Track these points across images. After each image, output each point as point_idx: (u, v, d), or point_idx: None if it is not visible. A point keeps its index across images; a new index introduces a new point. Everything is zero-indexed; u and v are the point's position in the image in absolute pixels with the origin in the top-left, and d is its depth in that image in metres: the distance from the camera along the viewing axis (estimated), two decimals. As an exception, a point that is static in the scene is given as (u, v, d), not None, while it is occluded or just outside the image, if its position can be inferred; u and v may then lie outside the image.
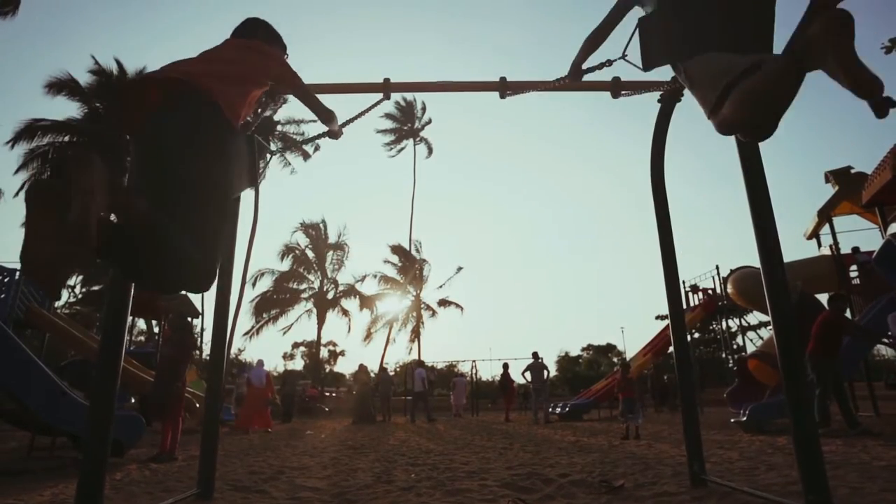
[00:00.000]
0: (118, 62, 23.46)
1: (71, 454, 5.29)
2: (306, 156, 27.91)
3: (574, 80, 2.60)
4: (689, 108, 2.39)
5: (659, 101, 3.21)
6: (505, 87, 3.00)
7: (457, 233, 70.24)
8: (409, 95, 33.98)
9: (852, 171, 11.81)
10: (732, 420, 7.79)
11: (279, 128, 26.34)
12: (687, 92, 2.14)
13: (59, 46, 69.82)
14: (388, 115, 32.54)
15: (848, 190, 11.34)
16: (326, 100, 2.52)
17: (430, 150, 33.73)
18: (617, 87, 3.05)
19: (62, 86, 22.42)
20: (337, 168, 75.16)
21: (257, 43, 2.20)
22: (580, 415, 13.63)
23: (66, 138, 22.59)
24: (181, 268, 1.27)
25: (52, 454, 5.25)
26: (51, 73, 22.23)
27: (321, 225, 30.54)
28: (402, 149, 33.51)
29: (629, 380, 8.02)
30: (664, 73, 3.06)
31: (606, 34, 2.39)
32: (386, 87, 2.99)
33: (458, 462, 4.82)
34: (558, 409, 13.78)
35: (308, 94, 2.41)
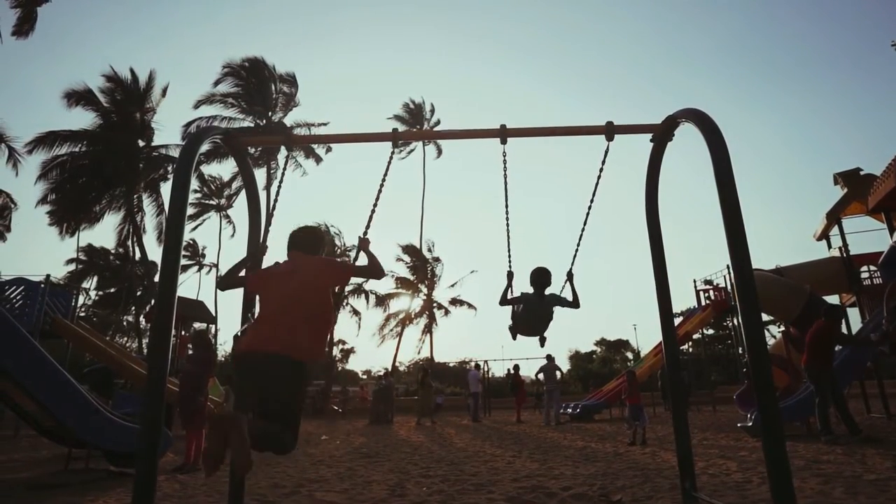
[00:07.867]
0: (132, 72, 24.09)
1: (104, 466, 5.62)
2: (319, 159, 28.32)
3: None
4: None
5: (651, 140, 3.40)
6: (505, 134, 3.21)
7: (469, 232, 70.35)
8: (417, 97, 34.23)
9: (861, 172, 11.84)
10: (739, 424, 7.95)
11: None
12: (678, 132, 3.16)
13: (65, 53, 70.99)
14: (398, 118, 32.67)
15: (857, 191, 11.36)
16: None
17: (440, 151, 33.93)
18: (611, 131, 3.25)
19: (79, 97, 23.07)
20: (345, 169, 75.58)
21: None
22: (591, 415, 13.80)
23: (83, 147, 23.26)
24: (286, 445, 2.32)
25: (88, 466, 5.56)
26: (68, 85, 23.00)
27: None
28: (413, 150, 33.67)
29: (635, 386, 8.23)
30: (655, 116, 3.26)
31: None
32: (394, 137, 3.23)
33: (467, 473, 5.06)
34: (569, 410, 13.95)
35: (364, 265, 2.79)
